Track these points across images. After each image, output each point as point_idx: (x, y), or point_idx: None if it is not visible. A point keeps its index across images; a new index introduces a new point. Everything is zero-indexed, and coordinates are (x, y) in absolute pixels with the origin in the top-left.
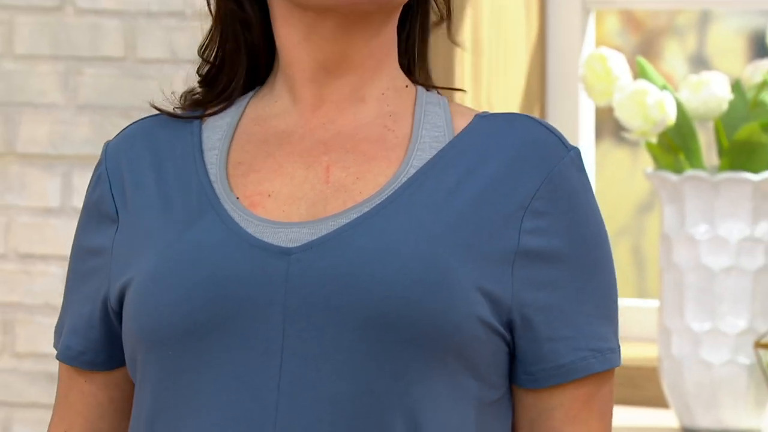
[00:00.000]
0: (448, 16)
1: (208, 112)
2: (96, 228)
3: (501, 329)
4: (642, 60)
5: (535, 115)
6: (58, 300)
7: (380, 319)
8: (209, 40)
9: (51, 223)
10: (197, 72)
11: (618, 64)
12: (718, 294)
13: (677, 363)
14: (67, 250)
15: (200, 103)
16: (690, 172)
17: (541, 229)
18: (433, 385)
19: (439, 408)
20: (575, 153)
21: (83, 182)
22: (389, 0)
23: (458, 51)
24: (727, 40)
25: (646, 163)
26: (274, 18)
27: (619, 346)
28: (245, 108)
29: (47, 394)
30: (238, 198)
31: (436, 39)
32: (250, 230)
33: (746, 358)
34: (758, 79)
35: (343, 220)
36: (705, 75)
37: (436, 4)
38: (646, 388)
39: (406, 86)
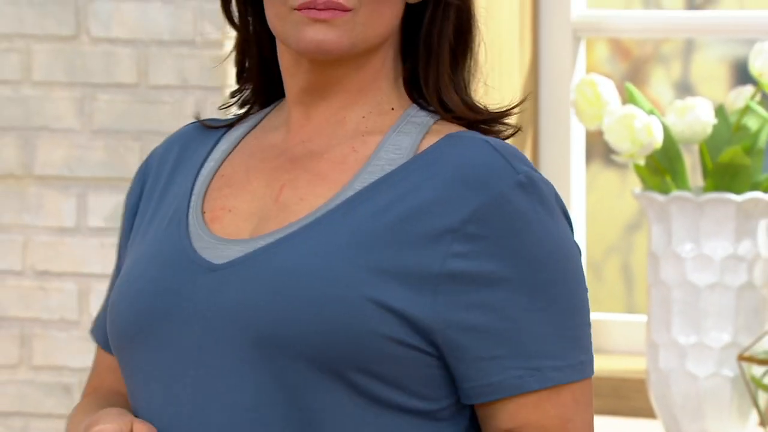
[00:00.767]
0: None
1: (234, 122)
2: (125, 225)
3: (423, 347)
4: (630, 86)
5: (527, 138)
6: (73, 315)
7: (276, 336)
8: (235, 51)
9: (66, 242)
10: (235, 62)
11: (607, 89)
12: (703, 309)
13: (664, 375)
14: (81, 268)
15: (242, 102)
16: (676, 193)
17: (474, 252)
18: (336, 398)
19: (345, 419)
20: (525, 176)
21: (98, 203)
22: (351, 48)
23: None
24: (711, 67)
25: (634, 184)
26: (277, 46)
27: (579, 362)
28: (261, 119)
29: (63, 406)
30: (204, 212)
31: None
32: (197, 245)
33: (730, 370)
34: (741, 104)
35: (270, 239)
36: (690, 100)
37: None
38: (635, 399)
39: (392, 108)
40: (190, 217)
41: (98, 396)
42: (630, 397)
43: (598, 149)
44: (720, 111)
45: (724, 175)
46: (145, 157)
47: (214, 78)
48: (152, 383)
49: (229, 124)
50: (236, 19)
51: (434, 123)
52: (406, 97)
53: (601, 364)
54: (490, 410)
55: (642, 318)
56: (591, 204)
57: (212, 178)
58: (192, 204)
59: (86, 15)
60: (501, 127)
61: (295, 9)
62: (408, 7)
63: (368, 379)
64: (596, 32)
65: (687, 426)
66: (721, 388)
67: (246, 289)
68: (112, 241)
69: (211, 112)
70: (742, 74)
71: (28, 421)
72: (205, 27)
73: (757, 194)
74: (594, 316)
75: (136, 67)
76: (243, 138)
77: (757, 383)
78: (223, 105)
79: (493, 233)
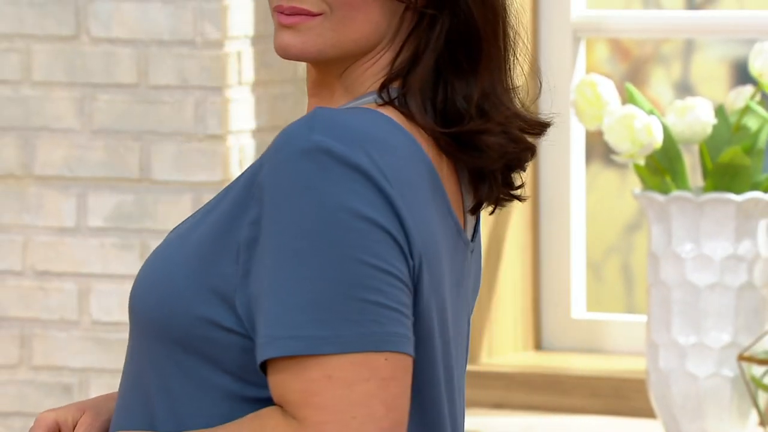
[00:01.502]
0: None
1: None
2: None
3: (242, 331)
4: (630, 86)
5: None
6: (73, 315)
7: (135, 323)
8: None
9: (66, 242)
10: None
11: (607, 90)
12: (703, 309)
13: (664, 375)
14: (81, 268)
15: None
16: (676, 193)
17: (260, 217)
18: (175, 375)
19: (183, 394)
20: (313, 144)
21: (98, 203)
22: (319, 54)
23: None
24: (711, 67)
25: (634, 184)
26: None
27: (328, 334)
28: None
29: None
30: None
31: None
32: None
33: (730, 370)
34: (740, 104)
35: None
36: (690, 100)
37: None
38: (635, 399)
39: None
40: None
41: None
42: (630, 397)
43: (598, 149)
44: (720, 111)
45: (724, 175)
46: (144, 156)
47: (214, 78)
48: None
49: None
50: None
51: (364, 102)
52: (394, 95)
53: (601, 365)
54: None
55: (642, 318)
56: (591, 204)
57: None
58: None
59: (86, 15)
60: (473, 151)
61: (274, 10)
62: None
63: (199, 361)
64: (596, 32)
65: (687, 426)
66: (721, 388)
67: (137, 278)
68: (112, 241)
69: (211, 113)
70: (742, 74)
71: (28, 422)
72: (205, 27)
73: (757, 194)
74: (593, 316)
75: (136, 67)
76: None
77: (757, 383)
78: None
79: (270, 199)
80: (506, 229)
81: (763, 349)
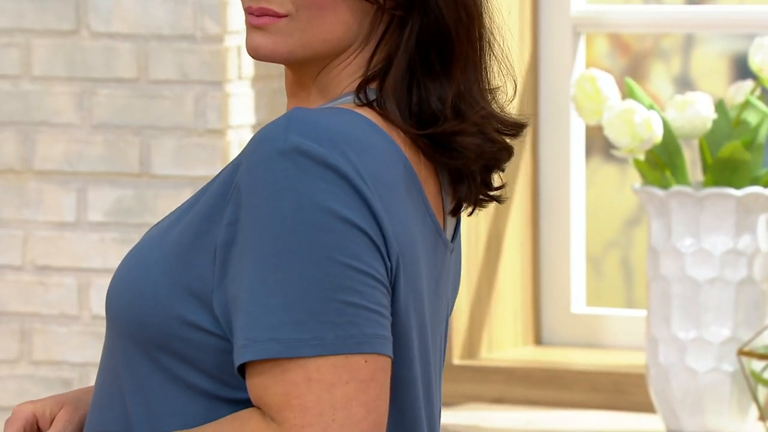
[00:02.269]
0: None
1: None
2: None
3: (213, 329)
4: (630, 81)
5: (528, 133)
6: (73, 310)
7: (111, 322)
8: None
9: (66, 237)
10: None
11: (607, 84)
12: (702, 304)
13: (664, 370)
14: (81, 263)
15: None
16: (676, 188)
17: (237, 218)
18: (150, 374)
19: (159, 394)
20: (290, 144)
21: (98, 198)
22: (289, 54)
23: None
24: (711, 62)
25: (634, 179)
26: None
27: (307, 337)
28: None
29: None
30: None
31: None
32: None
33: (730, 365)
34: (740, 99)
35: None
36: (690, 95)
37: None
38: (635, 394)
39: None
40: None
41: None
42: (630, 392)
43: (598, 144)
44: (720, 106)
45: (724, 170)
46: (144, 151)
47: (214, 73)
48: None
49: None
50: None
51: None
52: (366, 97)
53: (601, 359)
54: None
55: (642, 313)
56: (591, 199)
57: None
58: None
59: (86, 10)
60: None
61: (245, 11)
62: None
63: (176, 362)
64: (596, 27)
65: (687, 421)
66: (720, 382)
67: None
68: (113, 236)
69: (211, 107)
70: (742, 69)
71: None
72: (205, 22)
73: (757, 189)
74: (593, 310)
75: (136, 61)
76: None
77: (757, 378)
78: None
79: (247, 200)
80: (506, 224)
81: (762, 344)
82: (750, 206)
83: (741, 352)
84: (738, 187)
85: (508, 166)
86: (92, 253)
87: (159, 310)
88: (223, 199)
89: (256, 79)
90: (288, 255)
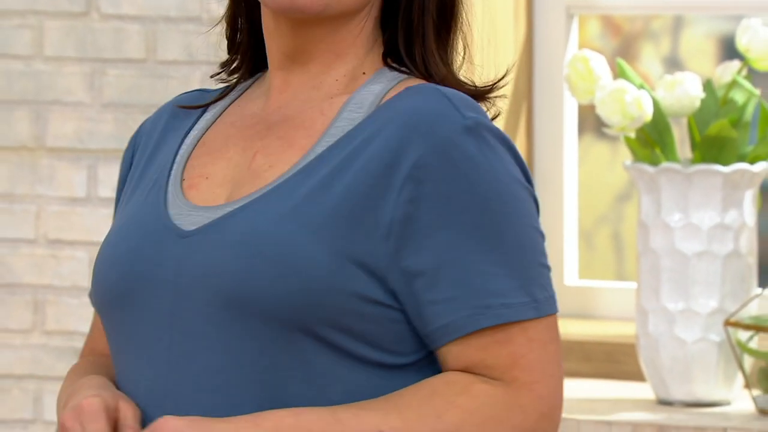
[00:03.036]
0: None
1: (211, 101)
2: (117, 196)
3: (386, 301)
4: (621, 61)
5: (522, 111)
6: (84, 282)
7: (243, 299)
8: (225, 22)
9: (77, 212)
10: (225, 35)
11: (599, 65)
12: (691, 277)
13: (653, 340)
14: (92, 237)
15: (230, 72)
16: (665, 165)
17: (422, 196)
18: (305, 354)
19: (313, 372)
20: (473, 122)
21: (108, 174)
22: (325, 8)
23: (453, 53)
24: (699, 43)
25: (625, 156)
26: (261, 11)
27: (531, 301)
28: (245, 90)
29: None
30: (184, 179)
31: None
32: (172, 212)
33: (717, 335)
34: (728, 78)
35: (236, 206)
36: (679, 75)
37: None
38: (625, 363)
39: (364, 73)
40: (170, 184)
41: (89, 361)
42: (621, 361)
43: (590, 122)
44: (708, 85)
45: (712, 148)
46: None
47: (220, 53)
48: (130, 346)
49: (214, 100)
50: None
51: (403, 80)
52: (381, 63)
53: (593, 330)
54: (447, 353)
55: (632, 285)
56: (583, 175)
57: (194, 147)
58: (173, 172)
59: None
60: (485, 104)
61: None
62: None
63: (336, 334)
64: (588, 9)
65: (675, 389)
66: (708, 352)
67: (211, 255)
68: None
69: (216, 86)
70: (729, 49)
71: (42, 384)
72: (210, 4)
73: (744, 166)
74: (585, 283)
75: (145, 43)
76: (226, 108)
77: (743, 347)
78: (213, 74)
79: (440, 177)
80: None
81: (748, 315)
82: (737, 182)
83: (727, 323)
84: (725, 163)
85: None
86: (102, 227)
87: (331, 289)
88: (388, 177)
89: None
90: (499, 226)
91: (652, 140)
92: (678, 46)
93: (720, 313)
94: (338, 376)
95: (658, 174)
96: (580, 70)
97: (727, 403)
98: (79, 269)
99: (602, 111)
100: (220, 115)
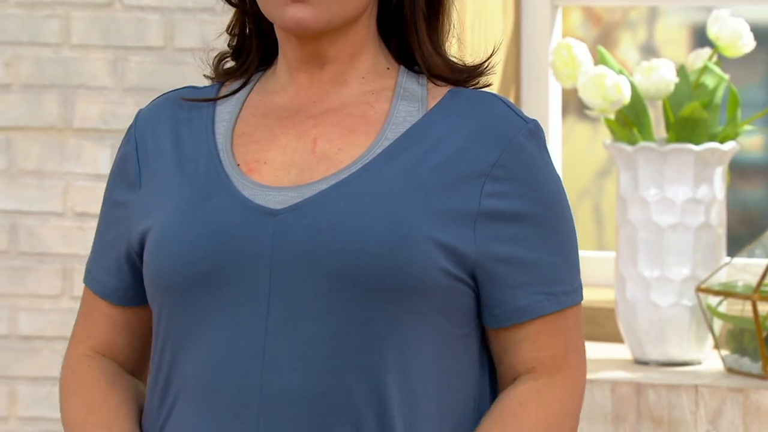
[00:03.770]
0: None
1: (221, 95)
2: (120, 182)
3: (465, 278)
4: (601, 49)
5: (510, 95)
6: None
7: (351, 271)
8: (232, 23)
9: (102, 187)
10: (228, 45)
11: (581, 52)
12: (665, 247)
13: (631, 305)
14: None
15: (228, 73)
16: (642, 144)
17: (502, 192)
18: (400, 324)
19: (406, 342)
20: (533, 125)
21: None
22: (328, 23)
23: (445, 39)
24: (673, 32)
25: (605, 135)
26: None
27: (578, 286)
28: (255, 85)
29: None
30: (238, 164)
31: None
32: (246, 193)
33: (689, 300)
34: (699, 64)
35: (324, 186)
36: (654, 61)
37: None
38: (605, 326)
39: (388, 68)
40: (227, 169)
41: (107, 402)
42: (601, 324)
43: (573, 105)
44: (681, 71)
45: (685, 128)
46: None
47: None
48: (221, 321)
49: (215, 98)
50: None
51: (427, 80)
52: (392, 58)
53: None
54: (512, 330)
55: (611, 254)
56: (566, 153)
57: (232, 137)
58: (223, 159)
59: None
60: (475, 81)
61: None
62: None
63: (427, 306)
64: (571, 1)
65: (651, 349)
66: (681, 316)
67: (315, 230)
68: None
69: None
70: (700, 38)
71: None
72: None
73: (714, 145)
74: None
75: (163, 32)
76: (245, 101)
77: (713, 311)
78: (214, 78)
79: (515, 175)
80: None
81: (718, 282)
82: (708, 160)
83: (699, 289)
84: (697, 143)
85: None
86: None
87: (427, 266)
88: (471, 173)
89: None
90: (558, 220)
91: (630, 121)
92: (653, 34)
93: (692, 280)
94: (419, 341)
95: (635, 152)
96: (563, 56)
97: (698, 363)
98: None
99: (584, 94)
100: (241, 108)
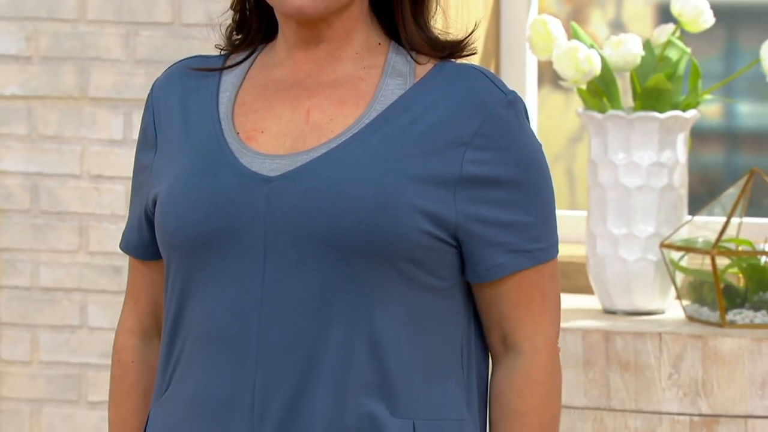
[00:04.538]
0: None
1: (227, 65)
2: (143, 149)
3: (446, 238)
4: (574, 24)
5: (491, 67)
6: (122, 210)
7: (337, 234)
8: (234, 1)
9: (115, 151)
10: (232, 20)
11: (556, 27)
12: (632, 206)
13: (600, 260)
14: (127, 173)
15: (234, 45)
16: (611, 112)
17: (482, 160)
18: (384, 280)
19: (390, 295)
20: (512, 97)
21: (140, 120)
22: (326, 9)
23: (429, 17)
24: (639, 9)
25: (577, 104)
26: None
27: (554, 242)
28: (257, 57)
29: (114, 283)
30: (238, 133)
31: None
32: (243, 161)
33: (653, 255)
34: (663, 39)
35: (315, 154)
36: (622, 36)
37: None
38: (576, 279)
39: (379, 44)
40: (227, 137)
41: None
42: (573, 278)
43: (548, 76)
44: (647, 45)
45: (650, 97)
46: None
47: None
48: (222, 278)
49: (227, 66)
50: None
51: (416, 55)
52: (384, 34)
53: None
54: (493, 285)
55: (583, 213)
56: (541, 121)
57: (233, 106)
58: (224, 127)
59: None
60: (458, 56)
61: None
62: None
63: (409, 265)
64: None
65: (618, 300)
66: (646, 269)
67: (305, 196)
68: None
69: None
70: (664, 14)
71: (86, 296)
72: None
73: (677, 113)
74: None
75: (172, 8)
76: (246, 74)
77: (675, 265)
78: (222, 47)
79: (495, 144)
80: None
81: (680, 238)
82: (671, 127)
83: (662, 245)
84: (661, 111)
85: None
86: None
87: (411, 228)
88: (453, 142)
89: None
90: (536, 183)
91: (600, 91)
92: (621, 11)
93: (656, 236)
94: (405, 297)
95: (605, 120)
96: (539, 31)
97: (662, 312)
98: (117, 200)
99: (558, 66)
100: (243, 79)
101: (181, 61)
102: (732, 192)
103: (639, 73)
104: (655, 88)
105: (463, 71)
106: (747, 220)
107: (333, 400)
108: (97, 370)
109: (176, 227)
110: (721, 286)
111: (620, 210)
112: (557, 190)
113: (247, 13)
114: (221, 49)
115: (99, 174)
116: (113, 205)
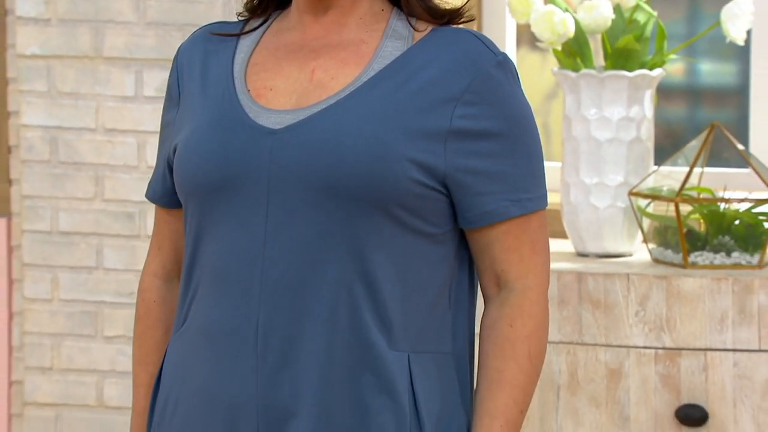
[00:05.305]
0: None
1: (245, 30)
2: (168, 107)
3: (437, 186)
4: None
5: (473, 28)
6: (134, 162)
7: (334, 182)
8: None
9: (128, 107)
10: None
11: None
12: (603, 158)
13: (574, 207)
14: (139, 127)
15: (251, 10)
16: (584, 71)
17: (471, 114)
18: (378, 225)
19: (383, 238)
20: (502, 57)
21: (150, 78)
22: None
23: None
24: None
25: (553, 64)
26: None
27: (542, 194)
28: (271, 24)
29: (127, 228)
30: (249, 90)
31: None
32: (251, 115)
33: (622, 203)
34: (632, 3)
35: (316, 109)
36: (595, 1)
37: None
38: (552, 225)
39: (383, 10)
40: (239, 94)
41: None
42: (549, 224)
43: (526, 38)
44: (617, 8)
45: (620, 57)
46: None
47: None
48: (230, 221)
49: (245, 32)
50: None
51: (415, 21)
52: (387, 2)
53: None
54: (484, 231)
55: (557, 164)
56: (520, 79)
57: (246, 66)
58: (236, 84)
59: None
60: (455, 22)
61: None
62: None
63: (401, 211)
64: None
65: (590, 244)
66: (615, 216)
67: (305, 148)
68: (161, 106)
69: (237, 8)
70: None
71: (102, 240)
72: None
73: (645, 71)
74: None
75: None
76: (261, 37)
77: (642, 212)
78: (240, 14)
79: (484, 100)
80: None
81: (646, 187)
82: (639, 84)
83: (630, 193)
84: (630, 70)
85: None
86: (147, 119)
87: (402, 177)
88: (445, 98)
89: None
90: (524, 137)
91: (574, 51)
92: None
93: (625, 185)
94: (398, 241)
95: (578, 78)
96: None
97: (630, 255)
98: (129, 152)
99: (536, 29)
100: (257, 43)
101: (205, 26)
102: (694, 144)
103: (610, 35)
104: (624, 49)
105: (458, 34)
106: (708, 170)
107: (330, 334)
108: (112, 308)
109: (191, 174)
110: (684, 230)
111: (592, 161)
112: None
113: None
114: (240, 15)
115: (113, 128)
116: (126, 156)
